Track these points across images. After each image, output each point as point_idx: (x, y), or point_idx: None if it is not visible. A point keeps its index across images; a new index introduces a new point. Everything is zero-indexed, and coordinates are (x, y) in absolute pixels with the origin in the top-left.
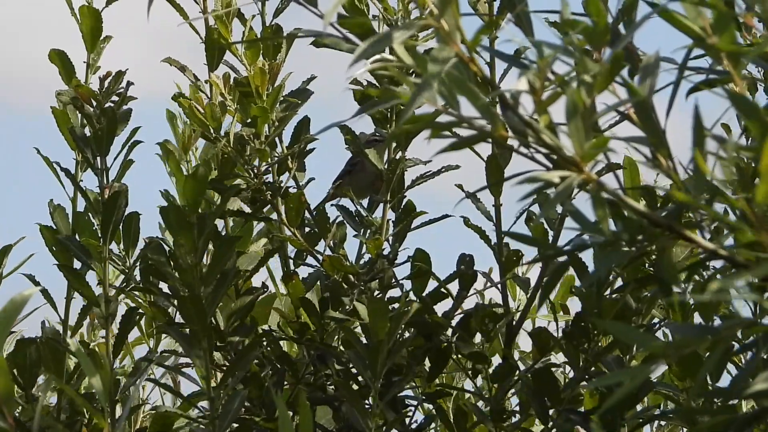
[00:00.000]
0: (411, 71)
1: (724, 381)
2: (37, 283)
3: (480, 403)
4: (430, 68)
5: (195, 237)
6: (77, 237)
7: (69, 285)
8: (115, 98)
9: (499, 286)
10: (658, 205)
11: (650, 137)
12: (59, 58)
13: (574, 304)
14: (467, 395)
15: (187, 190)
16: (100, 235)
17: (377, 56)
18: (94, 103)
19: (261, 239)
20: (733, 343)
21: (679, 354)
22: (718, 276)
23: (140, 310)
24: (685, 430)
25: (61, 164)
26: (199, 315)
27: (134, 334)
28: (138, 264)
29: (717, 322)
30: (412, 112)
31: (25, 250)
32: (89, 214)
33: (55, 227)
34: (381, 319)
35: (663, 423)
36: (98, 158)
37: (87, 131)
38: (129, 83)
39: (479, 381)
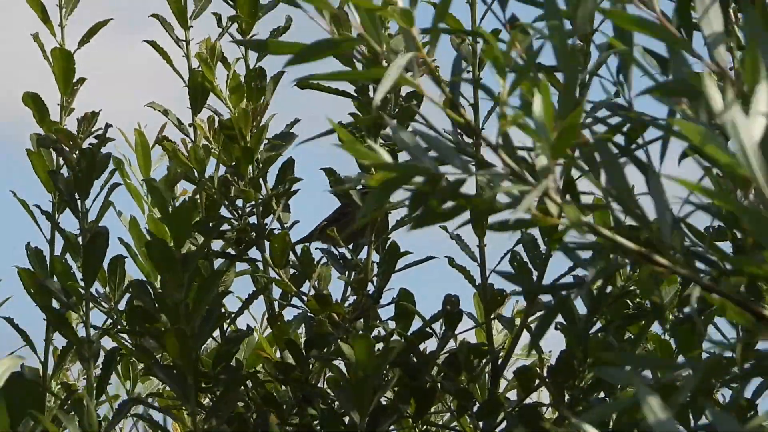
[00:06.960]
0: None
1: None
2: (15, 326)
3: None
4: None
5: (180, 273)
6: (54, 280)
7: (47, 327)
8: (93, 140)
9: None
10: None
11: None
12: (33, 101)
13: (559, 342)
14: None
15: (173, 225)
16: (81, 277)
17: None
18: (67, 147)
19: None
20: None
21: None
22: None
23: (121, 351)
24: None
25: (35, 206)
26: (185, 350)
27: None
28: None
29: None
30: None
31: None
32: (66, 256)
33: (33, 270)
34: (367, 355)
35: None
36: (78, 201)
37: (65, 173)
38: (107, 125)
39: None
